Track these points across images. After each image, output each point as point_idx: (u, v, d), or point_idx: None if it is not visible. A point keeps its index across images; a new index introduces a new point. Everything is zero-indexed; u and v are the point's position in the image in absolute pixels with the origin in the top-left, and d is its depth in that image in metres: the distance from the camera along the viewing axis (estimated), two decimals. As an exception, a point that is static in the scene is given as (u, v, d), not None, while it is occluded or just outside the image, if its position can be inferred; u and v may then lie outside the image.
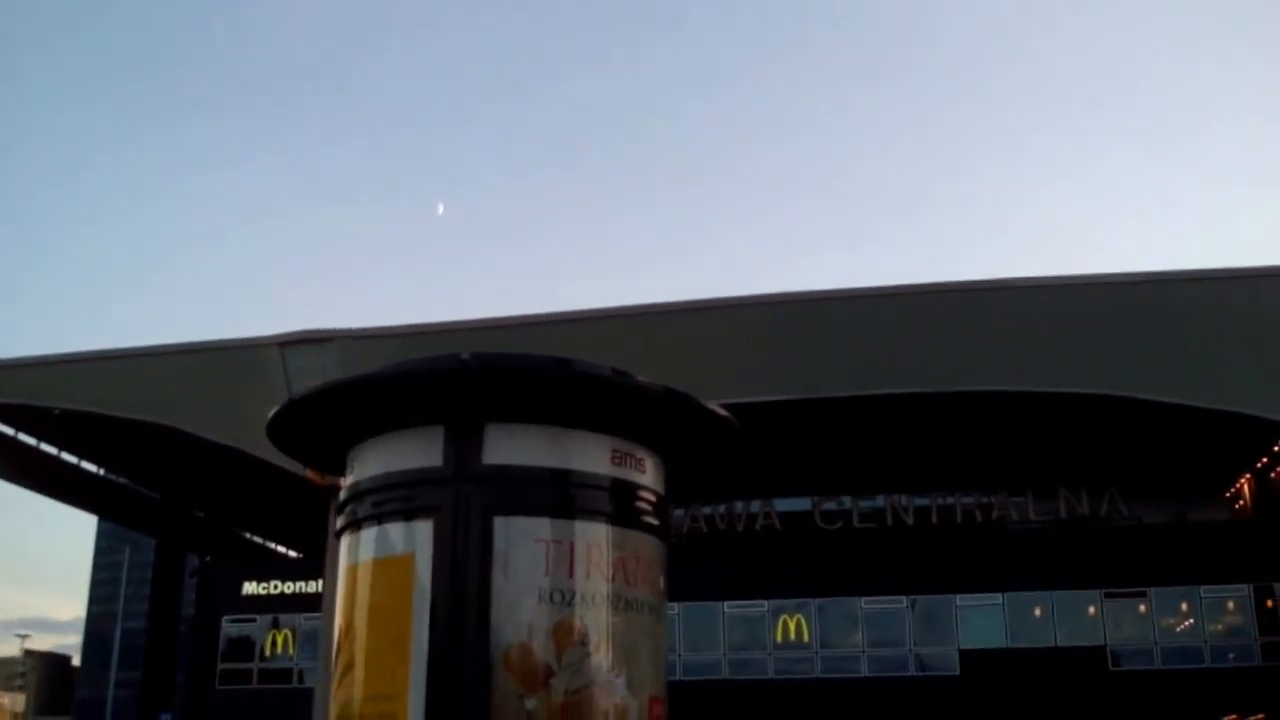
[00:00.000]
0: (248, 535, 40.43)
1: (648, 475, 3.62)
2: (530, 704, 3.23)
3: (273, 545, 41.21)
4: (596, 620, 3.37)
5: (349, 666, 3.48)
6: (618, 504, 3.50)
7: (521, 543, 3.33)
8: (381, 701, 3.33)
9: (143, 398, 26.40)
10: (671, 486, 3.75)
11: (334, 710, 3.52)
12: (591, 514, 3.44)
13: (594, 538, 3.42)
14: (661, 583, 3.64)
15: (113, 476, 34.55)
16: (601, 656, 3.35)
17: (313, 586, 30.77)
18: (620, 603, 3.44)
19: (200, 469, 31.27)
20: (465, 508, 3.32)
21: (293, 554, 40.05)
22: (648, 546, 3.58)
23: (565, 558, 3.36)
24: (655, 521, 3.61)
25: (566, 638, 3.31)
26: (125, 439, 29.25)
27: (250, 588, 33.98)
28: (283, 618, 33.41)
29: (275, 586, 33.98)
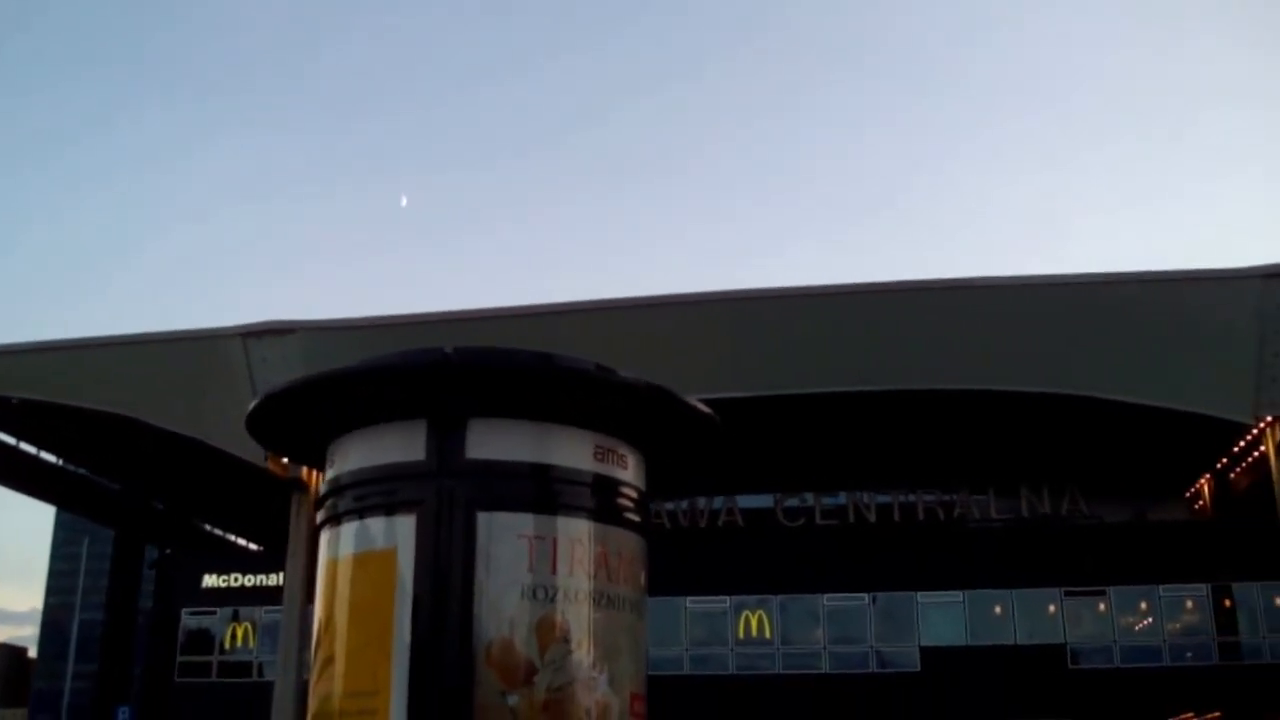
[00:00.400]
0: (208, 527, 40.11)
1: (630, 471, 3.61)
2: (513, 700, 3.22)
3: (233, 538, 40.89)
4: (579, 617, 3.36)
5: (329, 661, 3.46)
6: (600, 500, 3.49)
7: (504, 538, 3.32)
8: (362, 697, 3.30)
9: (104, 388, 26.14)
10: (652, 482, 3.75)
11: (313, 705, 3.49)
12: (574, 510, 3.43)
13: (576, 534, 3.42)
14: (643, 579, 3.64)
15: (72, 467, 34.17)
16: (584, 653, 3.35)
17: (274, 579, 30.55)
18: (602, 599, 3.43)
19: (161, 460, 30.99)
20: (448, 503, 3.30)
21: (254, 546, 39.76)
22: (629, 543, 3.57)
23: (548, 554, 3.35)
24: (637, 518, 3.61)
25: (549, 634, 3.30)
26: (85, 429, 28.94)
27: (210, 580, 33.72)
28: (243, 610, 33.19)
29: (236, 579, 33.73)
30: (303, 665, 24.05)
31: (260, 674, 31.65)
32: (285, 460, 24.17)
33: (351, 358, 3.62)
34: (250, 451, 24.53)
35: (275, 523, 27.01)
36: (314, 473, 24.86)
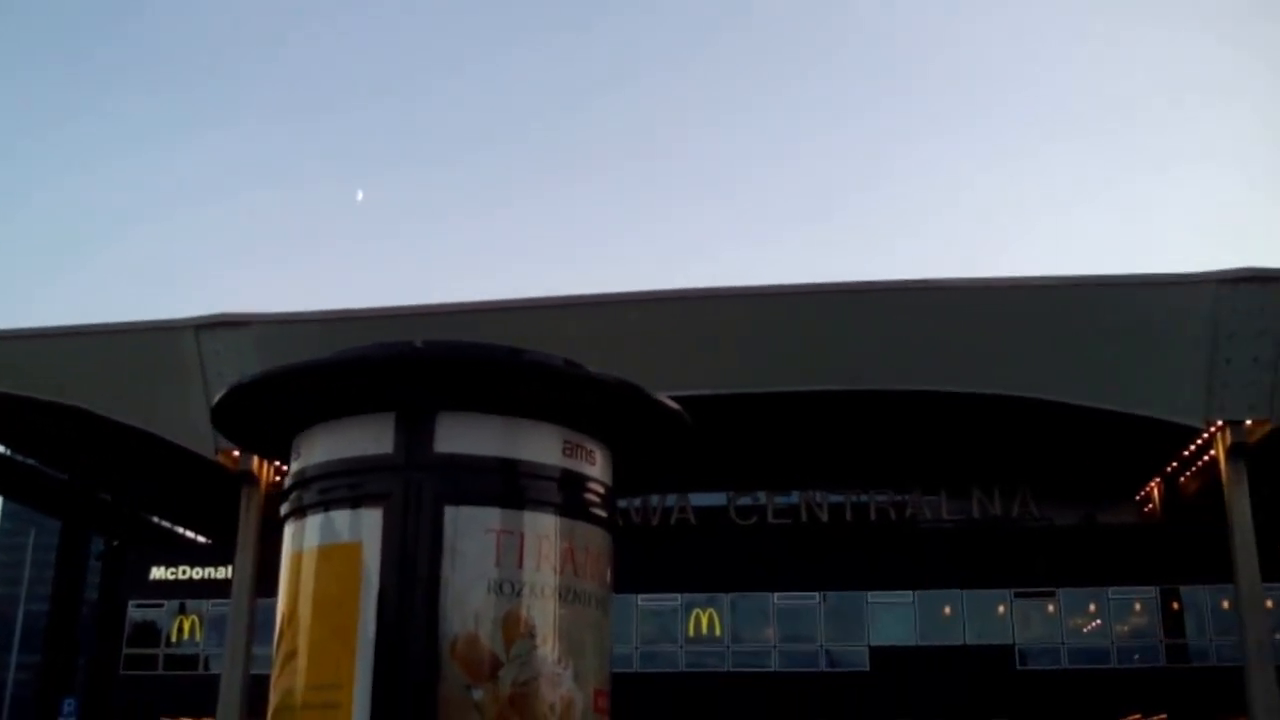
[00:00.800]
0: (156, 519, 39.63)
1: (597, 467, 3.62)
2: (477, 695, 3.21)
3: (181, 530, 40.45)
4: (544, 612, 3.36)
5: (291, 655, 3.43)
6: (568, 495, 3.49)
7: (471, 532, 3.31)
8: (326, 690, 3.28)
9: (54, 379, 25.81)
10: (620, 478, 3.76)
11: (274, 699, 3.47)
12: (542, 505, 3.43)
13: (544, 529, 3.42)
14: (609, 575, 3.65)
15: (20, 457, 33.69)
16: (549, 649, 3.35)
17: (222, 572, 30.29)
18: (568, 595, 3.44)
19: (110, 451, 30.60)
20: (416, 496, 3.29)
21: (202, 539, 39.35)
22: (596, 539, 3.58)
23: (515, 548, 3.35)
24: (604, 514, 3.61)
25: (514, 629, 3.30)
26: (34, 420, 28.55)
27: (158, 572, 33.40)
28: (190, 603, 32.90)
29: (183, 572, 33.43)
30: (250, 659, 23.85)
31: (206, 667, 31.39)
32: (236, 453, 23.98)
33: (308, 351, 3.60)
34: (200, 444, 24.31)
35: (224, 516, 26.78)
36: (265, 466, 24.73)
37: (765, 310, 26.54)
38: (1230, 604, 28.39)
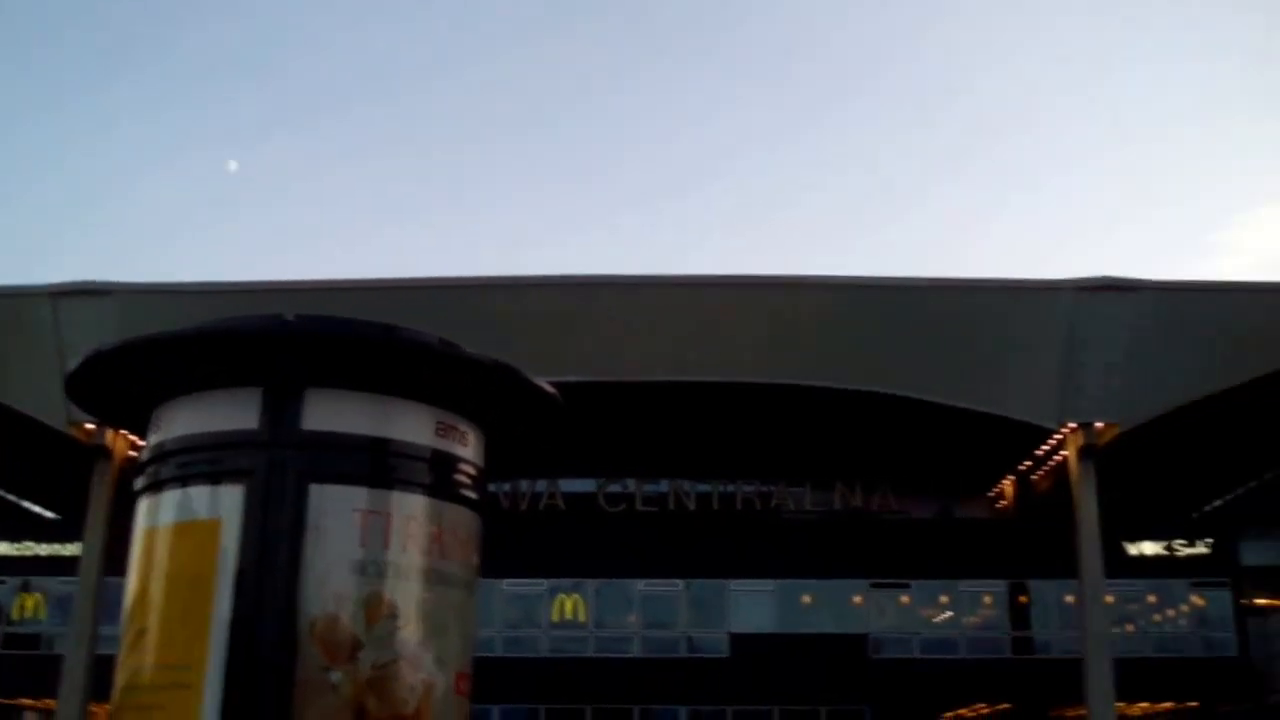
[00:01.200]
0: (0, 493, 38.04)
1: (470, 448, 3.58)
2: (335, 677, 3.16)
3: (27, 504, 38.89)
4: (408, 594, 3.32)
5: (141, 634, 3.32)
6: (438, 476, 3.45)
7: (337, 512, 3.25)
8: (176, 671, 3.19)
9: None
10: (493, 461, 3.72)
11: (121, 679, 3.35)
12: (411, 485, 3.38)
13: (412, 509, 3.37)
14: (476, 558, 3.62)
15: None
16: (411, 631, 3.31)
17: (70, 549, 29.23)
18: (434, 577, 3.40)
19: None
20: (280, 473, 3.22)
21: (49, 514, 37.91)
22: (465, 520, 3.54)
23: (381, 529, 3.29)
24: (474, 495, 3.58)
25: (377, 611, 3.25)
26: None
27: (1, 548, 32.13)
28: (34, 580, 31.72)
29: (28, 547, 32.23)
30: (96, 639, 23.06)
31: (50, 647, 30.28)
32: (90, 426, 23.14)
33: (171, 323, 3.48)
34: (51, 415, 23.39)
35: (74, 490, 25.82)
36: (119, 439, 23.92)
37: (643, 299, 26.65)
38: (1074, 599, 29.54)
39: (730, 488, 35.40)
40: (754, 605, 32.99)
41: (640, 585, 33.27)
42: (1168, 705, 34.90)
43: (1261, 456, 33.04)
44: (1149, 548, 33.38)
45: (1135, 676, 28.44)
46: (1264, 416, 27.86)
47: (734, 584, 33.15)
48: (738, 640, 32.36)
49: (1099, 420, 25.90)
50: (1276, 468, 33.94)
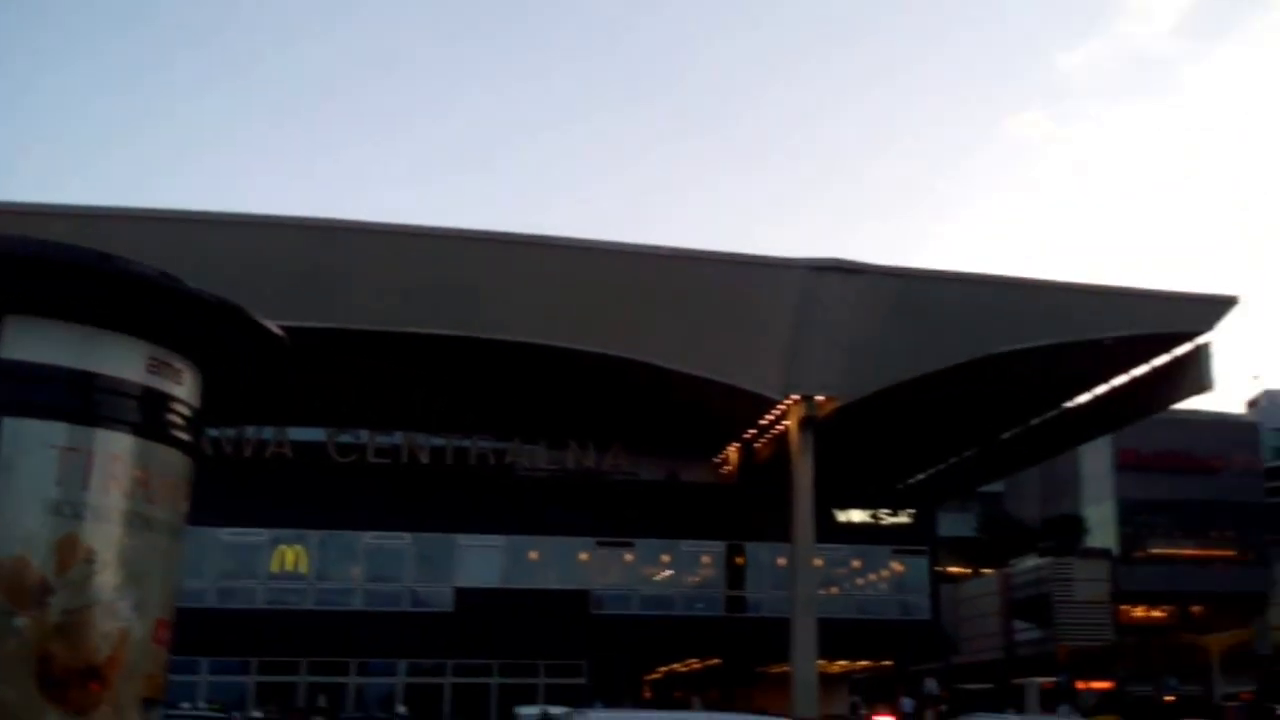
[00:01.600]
0: None
1: (185, 387, 3.39)
2: (20, 622, 2.96)
3: None
4: (108, 537, 3.14)
5: None
6: (148, 415, 3.26)
7: (32, 448, 3.02)
8: None
9: None
10: (212, 403, 3.55)
11: None
12: (117, 423, 3.18)
13: (117, 449, 3.17)
14: (184, 502, 3.45)
15: None
16: (109, 576, 3.13)
17: None
18: (137, 520, 3.22)
19: None
20: (-32, 404, 2.97)
21: None
22: (175, 463, 3.37)
23: (81, 468, 3.09)
24: (187, 437, 3.40)
25: (71, 554, 3.05)
26: None
27: None
28: None
29: None
30: None
31: None
32: None
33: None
34: None
35: None
36: None
37: (394, 248, 26.21)
38: (785, 561, 31.05)
39: (465, 442, 35.27)
40: (481, 560, 33.10)
41: (367, 538, 32.80)
42: (865, 663, 37.27)
43: (961, 435, 35.62)
44: (856, 515, 35.43)
45: (837, 636, 30.21)
46: (965, 399, 30.02)
47: (462, 539, 33.16)
48: (462, 595, 32.42)
49: (820, 394, 27.23)
50: (973, 446, 36.68)
